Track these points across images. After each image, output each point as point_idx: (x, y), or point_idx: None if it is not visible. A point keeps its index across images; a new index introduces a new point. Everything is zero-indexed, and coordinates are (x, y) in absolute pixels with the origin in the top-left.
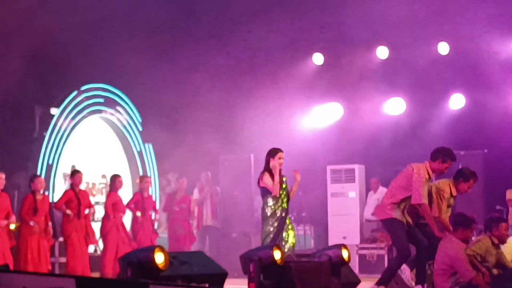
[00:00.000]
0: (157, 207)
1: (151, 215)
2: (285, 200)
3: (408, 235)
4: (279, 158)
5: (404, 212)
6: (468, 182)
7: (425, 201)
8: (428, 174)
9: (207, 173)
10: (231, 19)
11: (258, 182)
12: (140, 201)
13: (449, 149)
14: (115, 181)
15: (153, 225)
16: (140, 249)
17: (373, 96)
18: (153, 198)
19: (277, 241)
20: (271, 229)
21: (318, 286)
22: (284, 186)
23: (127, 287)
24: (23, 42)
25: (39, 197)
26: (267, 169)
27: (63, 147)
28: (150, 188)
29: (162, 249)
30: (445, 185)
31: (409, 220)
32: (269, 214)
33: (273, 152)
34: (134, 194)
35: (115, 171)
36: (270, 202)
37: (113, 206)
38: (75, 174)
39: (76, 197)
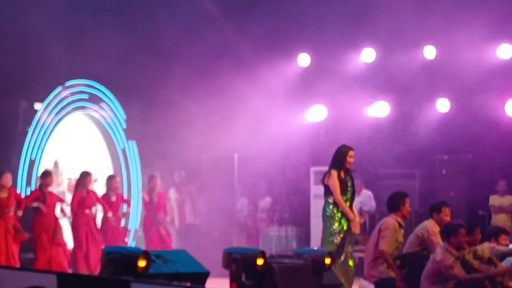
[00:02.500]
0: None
1: (120, 214)
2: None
3: None
4: (350, 157)
5: None
6: (406, 204)
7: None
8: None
9: (180, 173)
10: (215, 16)
11: (323, 179)
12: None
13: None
14: (86, 179)
15: (124, 222)
16: (124, 247)
17: (358, 98)
18: (125, 197)
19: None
20: (332, 230)
21: (300, 287)
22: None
23: (108, 284)
24: (7, 36)
25: (3, 194)
26: (336, 166)
27: (46, 142)
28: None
29: (146, 255)
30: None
31: None
32: (328, 214)
33: (346, 150)
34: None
35: (98, 168)
36: (331, 202)
37: (80, 203)
38: (46, 175)
39: (43, 197)
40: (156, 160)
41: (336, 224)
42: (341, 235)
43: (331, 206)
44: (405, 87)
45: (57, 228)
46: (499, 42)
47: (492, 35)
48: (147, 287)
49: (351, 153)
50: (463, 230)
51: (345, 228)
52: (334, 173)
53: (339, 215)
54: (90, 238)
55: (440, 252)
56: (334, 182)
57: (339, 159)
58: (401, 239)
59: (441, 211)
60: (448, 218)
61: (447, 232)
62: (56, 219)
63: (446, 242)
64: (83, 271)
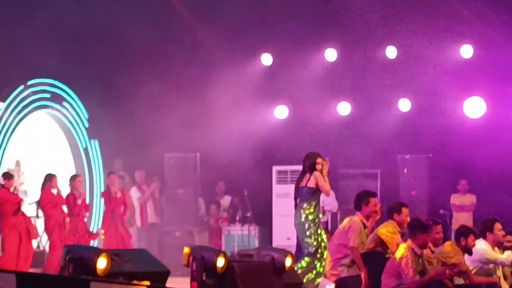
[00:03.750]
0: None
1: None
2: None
3: None
4: (318, 164)
5: None
6: (369, 204)
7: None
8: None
9: (142, 172)
10: (178, 14)
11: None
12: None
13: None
14: (51, 179)
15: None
16: (83, 246)
17: (320, 98)
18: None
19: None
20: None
21: (261, 286)
22: None
23: (67, 284)
24: None
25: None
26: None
27: (7, 142)
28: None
29: (106, 254)
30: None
31: None
32: (303, 220)
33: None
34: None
35: (60, 168)
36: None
37: (50, 203)
38: (9, 177)
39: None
40: (118, 159)
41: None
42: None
43: (307, 212)
44: (367, 87)
45: (28, 226)
46: (459, 42)
47: (452, 35)
48: (107, 286)
49: (319, 159)
50: (436, 228)
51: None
52: (317, 173)
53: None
54: (63, 238)
55: (401, 250)
56: (323, 181)
57: (312, 162)
58: (365, 239)
59: (401, 212)
60: (408, 218)
61: (414, 228)
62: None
63: (411, 239)
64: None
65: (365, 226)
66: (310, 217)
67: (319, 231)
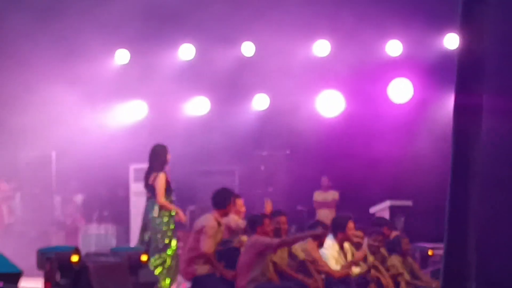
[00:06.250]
0: None
1: None
2: None
3: None
4: (169, 155)
5: None
6: (226, 207)
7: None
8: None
9: None
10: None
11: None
12: None
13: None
14: None
15: None
16: None
17: (178, 96)
18: None
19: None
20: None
21: (115, 285)
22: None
23: None
24: None
25: None
26: (161, 167)
27: None
28: None
29: None
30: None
31: None
32: (155, 215)
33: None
34: None
35: None
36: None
37: None
38: None
39: None
40: None
41: (164, 227)
42: (169, 234)
43: (156, 207)
44: (224, 84)
45: None
46: (315, 38)
47: (307, 32)
48: None
49: (168, 156)
50: (267, 220)
51: (171, 227)
52: (162, 176)
53: (165, 218)
54: None
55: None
56: (161, 184)
57: (161, 159)
58: (220, 237)
59: (231, 205)
60: (243, 209)
61: (251, 223)
62: None
63: (252, 232)
64: None
65: (219, 224)
66: (162, 213)
67: (171, 227)
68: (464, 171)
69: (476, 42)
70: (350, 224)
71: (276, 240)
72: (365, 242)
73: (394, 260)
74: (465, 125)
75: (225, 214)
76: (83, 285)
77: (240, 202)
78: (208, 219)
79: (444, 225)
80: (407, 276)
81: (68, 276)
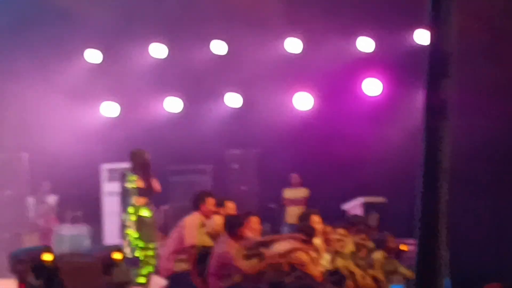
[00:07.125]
0: None
1: None
2: None
3: None
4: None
5: None
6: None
7: None
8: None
9: None
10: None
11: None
12: None
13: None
14: None
15: None
16: None
17: (151, 94)
18: None
19: None
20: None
21: (88, 285)
22: None
23: None
24: None
25: None
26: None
27: None
28: None
29: None
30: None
31: None
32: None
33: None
34: None
35: None
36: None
37: None
38: None
39: None
40: None
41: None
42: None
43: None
44: (197, 82)
45: None
46: (285, 36)
47: (279, 29)
48: None
49: (146, 155)
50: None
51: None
52: (139, 182)
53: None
54: None
55: (221, 245)
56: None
57: (139, 161)
58: (203, 239)
59: (205, 202)
60: (213, 208)
61: (229, 225)
62: None
63: (228, 234)
64: None
65: (203, 224)
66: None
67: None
68: (434, 167)
69: (445, 37)
70: (315, 218)
71: (245, 266)
72: (349, 240)
73: (378, 255)
74: (435, 121)
75: (205, 214)
76: (55, 286)
77: (211, 201)
78: (193, 216)
79: (416, 221)
80: (381, 276)
81: (42, 277)
